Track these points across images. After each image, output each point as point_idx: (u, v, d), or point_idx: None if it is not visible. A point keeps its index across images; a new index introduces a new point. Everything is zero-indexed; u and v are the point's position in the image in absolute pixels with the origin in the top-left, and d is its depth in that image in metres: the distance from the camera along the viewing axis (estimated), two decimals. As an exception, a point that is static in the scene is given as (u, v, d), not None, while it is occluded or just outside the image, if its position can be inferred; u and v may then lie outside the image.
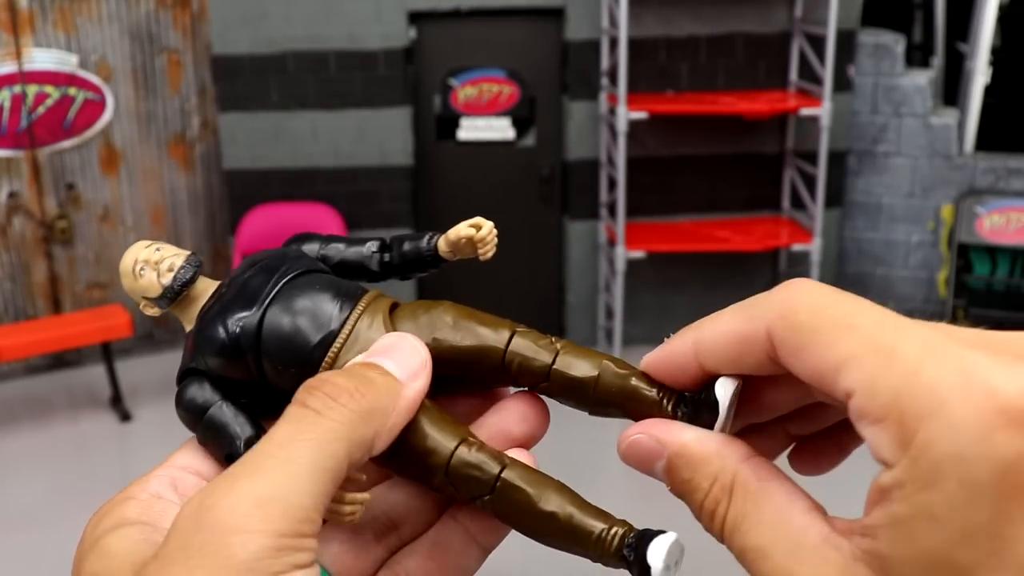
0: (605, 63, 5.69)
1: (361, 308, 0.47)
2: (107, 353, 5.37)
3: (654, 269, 5.93)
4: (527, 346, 0.46)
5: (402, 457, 0.44)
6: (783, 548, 0.36)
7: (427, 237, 0.52)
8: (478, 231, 0.50)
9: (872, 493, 0.34)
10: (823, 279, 5.77)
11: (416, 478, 0.45)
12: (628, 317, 5.82)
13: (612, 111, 5.49)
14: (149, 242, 0.51)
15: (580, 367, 0.45)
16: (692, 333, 0.43)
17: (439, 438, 0.44)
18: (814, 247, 5.51)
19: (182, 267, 0.49)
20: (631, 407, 0.45)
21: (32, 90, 5.68)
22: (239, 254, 5.72)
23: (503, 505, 0.43)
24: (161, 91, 5.96)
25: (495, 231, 0.51)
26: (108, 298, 6.06)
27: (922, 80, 5.77)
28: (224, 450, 0.46)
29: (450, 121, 5.94)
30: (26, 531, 4.42)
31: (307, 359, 0.46)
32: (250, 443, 0.45)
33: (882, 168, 5.96)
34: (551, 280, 6.25)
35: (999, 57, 6.08)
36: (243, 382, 0.48)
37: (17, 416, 5.54)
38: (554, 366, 0.45)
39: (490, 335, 0.46)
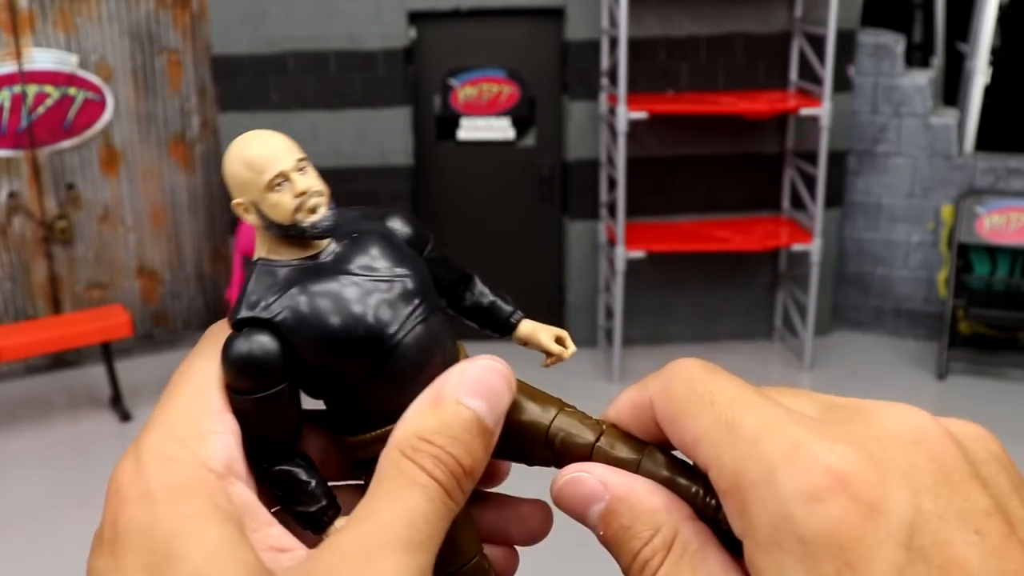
0: (605, 63, 5.69)
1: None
2: (107, 353, 5.37)
3: (654, 269, 5.93)
4: (571, 423, 0.45)
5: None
6: None
7: (511, 312, 0.51)
8: (563, 348, 0.50)
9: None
10: (823, 279, 5.78)
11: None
12: (628, 317, 5.82)
13: (612, 111, 5.49)
14: (296, 150, 0.45)
15: (623, 449, 0.43)
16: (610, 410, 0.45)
17: (467, 542, 0.44)
18: (814, 247, 5.51)
19: (325, 216, 0.44)
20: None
21: (32, 90, 5.68)
22: (239, 254, 5.72)
23: None
24: (161, 91, 5.96)
25: (573, 354, 0.51)
26: (108, 298, 6.07)
27: (922, 80, 5.77)
28: (261, 433, 0.42)
29: (450, 121, 5.94)
30: (26, 531, 4.42)
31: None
32: (293, 442, 0.44)
33: (882, 168, 5.96)
34: (551, 280, 6.25)
35: (999, 57, 6.08)
36: (314, 368, 0.43)
37: (17, 416, 5.54)
38: (597, 443, 0.44)
39: (536, 410, 0.45)
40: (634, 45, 5.38)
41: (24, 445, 5.19)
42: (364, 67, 5.69)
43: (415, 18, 5.69)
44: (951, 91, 6.14)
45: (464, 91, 5.89)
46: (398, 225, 0.48)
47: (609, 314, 5.97)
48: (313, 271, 0.43)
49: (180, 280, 6.30)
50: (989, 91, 5.96)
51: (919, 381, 5.68)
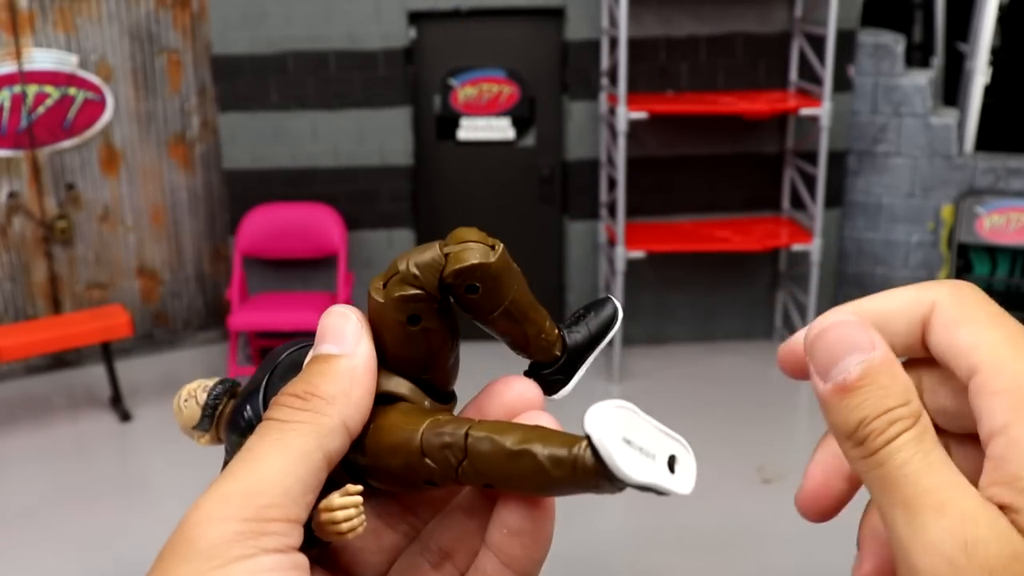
0: (605, 63, 5.69)
1: None
2: (107, 353, 5.37)
3: (654, 269, 5.93)
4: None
5: (386, 469, 0.43)
6: (951, 496, 0.36)
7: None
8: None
9: (989, 471, 0.37)
10: (823, 279, 5.78)
11: (406, 484, 0.44)
12: (628, 317, 5.82)
13: (612, 111, 5.49)
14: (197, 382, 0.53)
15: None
16: (863, 301, 0.44)
17: (408, 427, 0.43)
18: (814, 247, 5.51)
19: (215, 384, 0.50)
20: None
21: (32, 90, 5.68)
22: (239, 254, 5.72)
23: (479, 462, 0.41)
24: (161, 91, 5.96)
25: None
26: (108, 298, 6.07)
27: (922, 80, 5.77)
28: None
29: (450, 121, 5.94)
30: (26, 531, 4.42)
31: None
32: None
33: (882, 168, 5.96)
34: (551, 280, 6.26)
35: (999, 57, 6.08)
36: None
37: (17, 416, 5.54)
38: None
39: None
40: (634, 45, 5.39)
41: (24, 445, 5.19)
42: (364, 67, 5.69)
43: (415, 18, 5.69)
44: (951, 91, 6.14)
45: (464, 91, 5.89)
46: None
47: (609, 314, 5.96)
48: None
49: (180, 280, 6.30)
50: (989, 91, 5.96)
51: (919, 381, 5.67)
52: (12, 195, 5.77)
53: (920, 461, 0.37)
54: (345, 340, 0.44)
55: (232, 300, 5.60)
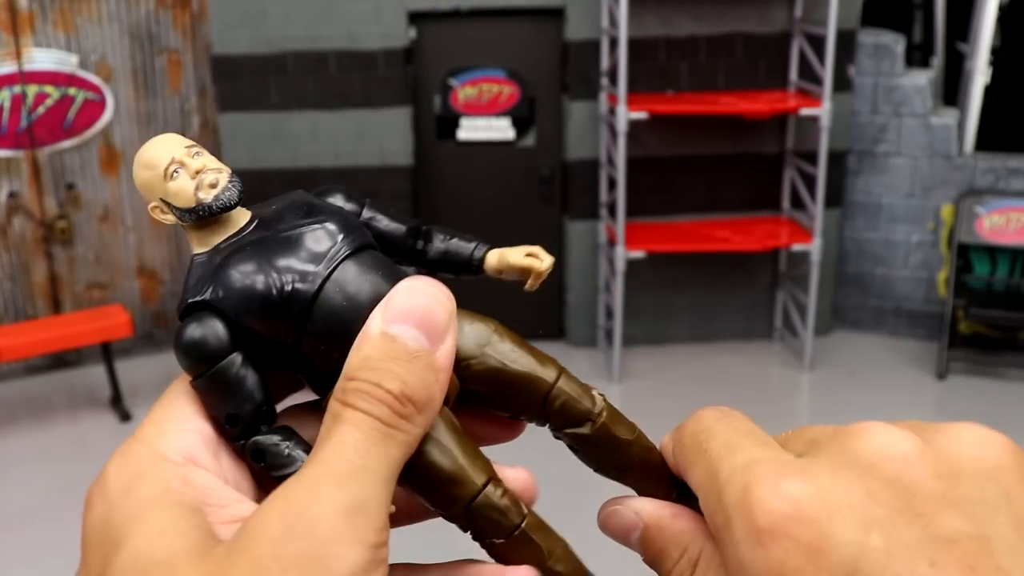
0: (605, 63, 5.69)
1: None
2: (107, 353, 5.37)
3: (654, 269, 5.93)
4: (573, 388, 0.45)
5: (423, 478, 0.42)
6: None
7: (474, 246, 0.50)
8: (540, 263, 0.50)
9: None
10: (823, 279, 5.79)
11: (429, 501, 0.43)
12: (628, 317, 5.82)
13: (612, 111, 5.49)
14: (185, 140, 0.45)
15: (621, 429, 0.46)
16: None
17: (468, 470, 0.42)
18: (814, 247, 5.51)
19: (227, 187, 0.43)
20: (643, 480, 0.46)
21: (32, 90, 5.68)
22: (239, 254, 5.72)
23: (512, 552, 0.43)
24: (161, 91, 5.96)
25: (552, 266, 0.50)
26: (108, 298, 6.07)
27: (922, 80, 5.77)
28: (226, 411, 0.42)
29: (450, 121, 5.94)
30: (26, 531, 4.42)
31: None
32: (263, 414, 0.43)
33: (882, 168, 5.96)
34: (551, 280, 6.24)
35: (999, 57, 6.08)
36: (258, 335, 0.43)
37: (17, 416, 5.54)
38: (601, 419, 0.46)
39: (535, 366, 0.45)
40: (634, 45, 5.38)
41: (24, 445, 5.19)
42: (364, 67, 5.69)
43: (415, 18, 5.69)
44: (951, 91, 6.14)
45: (464, 91, 5.89)
46: (337, 200, 0.49)
47: (609, 314, 5.96)
48: (238, 245, 0.44)
49: (180, 280, 6.29)
50: (989, 91, 5.96)
51: (919, 381, 5.68)
52: (12, 195, 5.77)
53: None
54: (434, 331, 0.41)
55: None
